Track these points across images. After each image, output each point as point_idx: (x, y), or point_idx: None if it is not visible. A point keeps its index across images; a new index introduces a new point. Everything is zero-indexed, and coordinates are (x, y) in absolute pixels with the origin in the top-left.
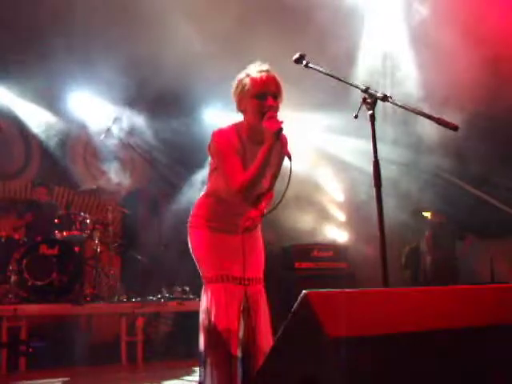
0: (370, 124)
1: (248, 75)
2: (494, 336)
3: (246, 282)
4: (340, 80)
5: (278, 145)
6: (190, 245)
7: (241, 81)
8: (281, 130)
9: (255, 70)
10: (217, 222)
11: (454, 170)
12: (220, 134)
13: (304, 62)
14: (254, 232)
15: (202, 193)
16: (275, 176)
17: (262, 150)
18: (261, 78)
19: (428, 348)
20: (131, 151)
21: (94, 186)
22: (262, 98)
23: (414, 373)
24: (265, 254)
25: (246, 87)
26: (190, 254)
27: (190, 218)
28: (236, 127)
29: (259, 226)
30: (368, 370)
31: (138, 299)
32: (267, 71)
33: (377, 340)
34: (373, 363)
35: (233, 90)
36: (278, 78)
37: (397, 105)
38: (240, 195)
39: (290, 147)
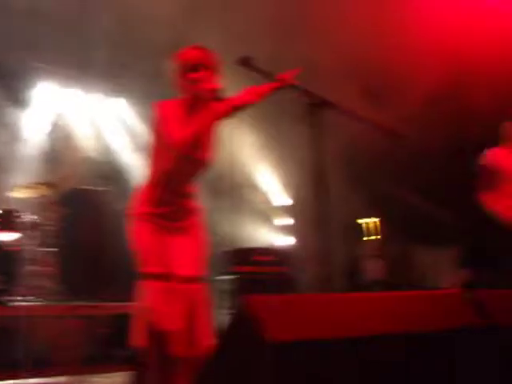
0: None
1: (181, 53)
2: (427, 342)
3: (188, 281)
4: (284, 83)
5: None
6: (130, 237)
7: (175, 59)
8: (218, 89)
9: (188, 48)
10: (160, 206)
11: (397, 180)
12: (163, 103)
13: (250, 65)
14: (197, 227)
15: (145, 180)
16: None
17: (202, 109)
18: (193, 51)
19: (365, 352)
20: (72, 149)
21: (33, 184)
22: (196, 70)
23: (350, 377)
24: (207, 254)
25: (181, 63)
26: (129, 255)
27: (129, 208)
28: (178, 101)
29: (201, 220)
30: (304, 374)
31: (75, 301)
32: (200, 47)
33: (314, 344)
34: (309, 367)
35: (170, 70)
36: (213, 53)
37: (343, 111)
38: (182, 149)
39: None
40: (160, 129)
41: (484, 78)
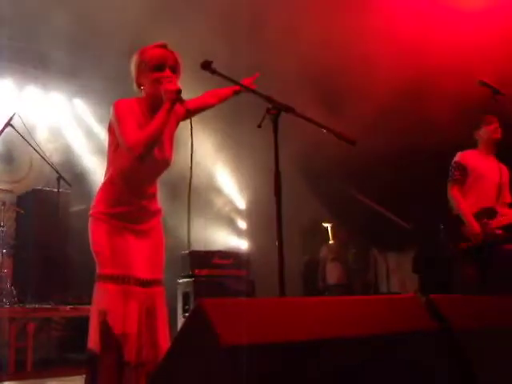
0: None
1: (145, 50)
2: (383, 344)
3: (146, 284)
4: (246, 89)
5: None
6: (89, 237)
7: (138, 56)
8: (179, 90)
9: (152, 45)
10: (119, 206)
11: (354, 185)
12: (121, 101)
13: (211, 69)
14: (157, 229)
15: (103, 179)
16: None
17: (161, 109)
18: (158, 49)
19: (320, 355)
20: (29, 150)
21: None
22: (160, 69)
23: (304, 380)
24: (165, 257)
25: (144, 61)
26: (86, 258)
27: (91, 209)
28: (137, 100)
29: (161, 223)
30: (257, 378)
31: (30, 304)
32: (165, 46)
33: (269, 348)
34: (262, 371)
35: (131, 66)
36: (175, 53)
37: (300, 116)
38: (136, 152)
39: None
40: (116, 128)
41: (441, 87)
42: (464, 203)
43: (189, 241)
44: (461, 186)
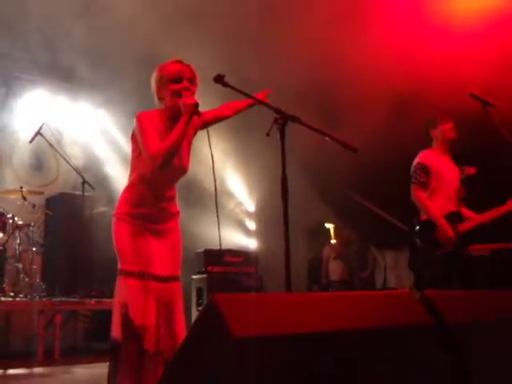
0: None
1: (164, 66)
2: (381, 336)
3: (164, 279)
4: (256, 101)
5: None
6: (113, 236)
7: (158, 72)
8: (197, 104)
9: (170, 61)
10: (141, 207)
11: (355, 190)
12: (143, 114)
13: (223, 82)
14: (175, 230)
15: (127, 183)
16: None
17: (180, 121)
18: (176, 64)
19: (325, 347)
20: (57, 156)
21: (18, 188)
22: (178, 82)
23: (312, 369)
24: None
25: (163, 75)
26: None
27: (115, 209)
28: (158, 112)
29: (179, 224)
30: (266, 368)
31: (58, 297)
32: (181, 61)
33: (276, 340)
34: (271, 361)
35: (152, 82)
36: (193, 68)
37: (306, 125)
38: (157, 162)
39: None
40: (139, 139)
41: (435, 100)
42: (433, 207)
43: (220, 243)
44: (426, 188)
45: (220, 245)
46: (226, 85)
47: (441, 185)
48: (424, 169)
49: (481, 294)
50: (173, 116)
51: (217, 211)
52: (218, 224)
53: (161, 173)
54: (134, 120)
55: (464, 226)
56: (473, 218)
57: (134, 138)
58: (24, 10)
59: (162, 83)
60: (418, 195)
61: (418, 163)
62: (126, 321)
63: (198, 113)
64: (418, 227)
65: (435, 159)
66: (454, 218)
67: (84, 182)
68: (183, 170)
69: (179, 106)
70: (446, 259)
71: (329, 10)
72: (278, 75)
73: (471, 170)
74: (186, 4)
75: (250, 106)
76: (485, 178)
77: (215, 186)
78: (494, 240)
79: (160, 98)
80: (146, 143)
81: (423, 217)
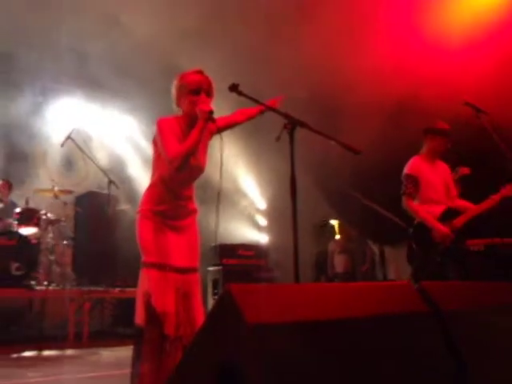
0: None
1: (184, 76)
2: (381, 324)
3: (183, 271)
4: (267, 107)
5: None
6: (136, 230)
7: (178, 80)
8: (212, 111)
9: (191, 71)
10: (161, 205)
11: (359, 189)
12: (163, 119)
13: (237, 90)
14: (192, 226)
15: (149, 183)
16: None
17: (196, 127)
18: (196, 75)
19: (331, 333)
20: (86, 158)
21: (51, 187)
22: (196, 93)
23: (320, 353)
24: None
25: (183, 85)
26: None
27: (139, 207)
28: (176, 118)
29: (196, 220)
30: (279, 353)
31: (86, 286)
32: (201, 72)
33: (286, 326)
34: (282, 346)
35: (172, 89)
36: (210, 78)
37: (313, 130)
38: (175, 164)
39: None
40: (159, 143)
41: (432, 108)
42: (423, 210)
43: (216, 236)
44: (414, 198)
45: (216, 239)
46: (240, 93)
47: (428, 192)
48: (411, 180)
49: (475, 285)
50: (190, 122)
51: (217, 210)
52: (217, 222)
53: (179, 173)
54: (155, 125)
55: (459, 221)
56: (467, 211)
57: (154, 142)
58: (59, 27)
59: (182, 92)
60: (408, 204)
61: (407, 175)
62: (149, 308)
63: (212, 119)
64: (411, 231)
65: (423, 167)
66: (449, 215)
67: (110, 181)
68: (200, 170)
69: (196, 113)
70: (442, 256)
71: (329, 25)
72: (284, 85)
73: (465, 171)
74: (198, 21)
75: (261, 112)
76: (478, 179)
77: (220, 187)
78: (490, 235)
79: (178, 105)
80: (165, 146)
81: (416, 221)
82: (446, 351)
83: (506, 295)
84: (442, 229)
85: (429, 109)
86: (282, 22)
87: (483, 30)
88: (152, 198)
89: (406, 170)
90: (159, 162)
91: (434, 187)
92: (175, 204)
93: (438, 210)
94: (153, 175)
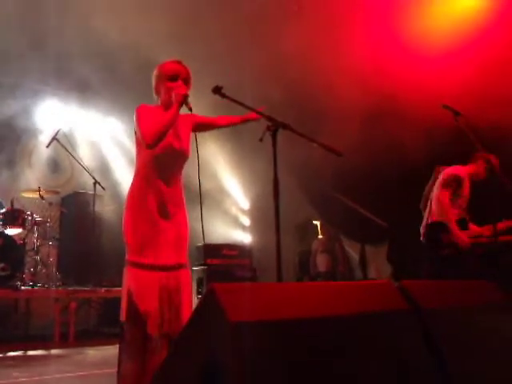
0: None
1: (164, 64)
2: (363, 321)
3: (171, 268)
4: (251, 110)
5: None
6: (122, 228)
7: (157, 68)
8: (186, 95)
9: (170, 60)
10: (148, 194)
11: (340, 190)
12: (142, 106)
13: (221, 93)
14: (181, 214)
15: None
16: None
17: (171, 108)
18: (174, 64)
19: (314, 331)
20: (71, 159)
21: (37, 188)
22: (173, 80)
23: (302, 351)
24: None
25: (162, 72)
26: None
27: (125, 202)
28: (155, 107)
29: (185, 211)
30: (258, 350)
31: (72, 286)
32: (180, 62)
33: (268, 324)
34: (264, 344)
35: (152, 77)
36: (187, 67)
37: (295, 132)
38: (148, 140)
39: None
40: (136, 126)
41: (411, 112)
42: (452, 213)
43: (203, 236)
44: (451, 194)
45: (203, 239)
46: (223, 95)
47: (461, 199)
48: (458, 180)
49: (455, 284)
50: (167, 109)
51: (201, 210)
52: (202, 221)
53: (162, 157)
54: (135, 112)
55: (469, 233)
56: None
57: (135, 131)
58: (43, 28)
59: (160, 80)
60: (443, 197)
61: (455, 175)
62: (131, 306)
63: (187, 103)
64: (425, 229)
65: (467, 179)
66: (463, 224)
67: (95, 182)
68: (184, 155)
69: (172, 97)
70: (450, 259)
71: (309, 26)
72: (264, 87)
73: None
74: (182, 22)
75: (243, 122)
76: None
77: (200, 188)
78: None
79: (157, 93)
80: (141, 127)
81: (430, 220)
82: (427, 349)
83: (487, 294)
84: (463, 237)
85: (408, 111)
86: (261, 22)
87: (462, 34)
88: (137, 190)
89: (456, 171)
90: (141, 149)
91: (465, 199)
92: (162, 195)
93: (461, 216)
94: (136, 165)
